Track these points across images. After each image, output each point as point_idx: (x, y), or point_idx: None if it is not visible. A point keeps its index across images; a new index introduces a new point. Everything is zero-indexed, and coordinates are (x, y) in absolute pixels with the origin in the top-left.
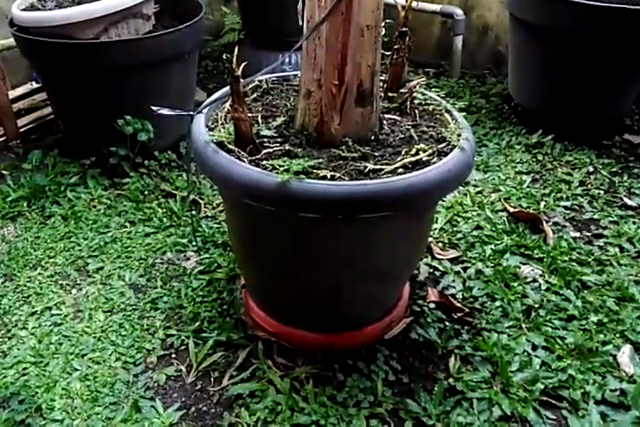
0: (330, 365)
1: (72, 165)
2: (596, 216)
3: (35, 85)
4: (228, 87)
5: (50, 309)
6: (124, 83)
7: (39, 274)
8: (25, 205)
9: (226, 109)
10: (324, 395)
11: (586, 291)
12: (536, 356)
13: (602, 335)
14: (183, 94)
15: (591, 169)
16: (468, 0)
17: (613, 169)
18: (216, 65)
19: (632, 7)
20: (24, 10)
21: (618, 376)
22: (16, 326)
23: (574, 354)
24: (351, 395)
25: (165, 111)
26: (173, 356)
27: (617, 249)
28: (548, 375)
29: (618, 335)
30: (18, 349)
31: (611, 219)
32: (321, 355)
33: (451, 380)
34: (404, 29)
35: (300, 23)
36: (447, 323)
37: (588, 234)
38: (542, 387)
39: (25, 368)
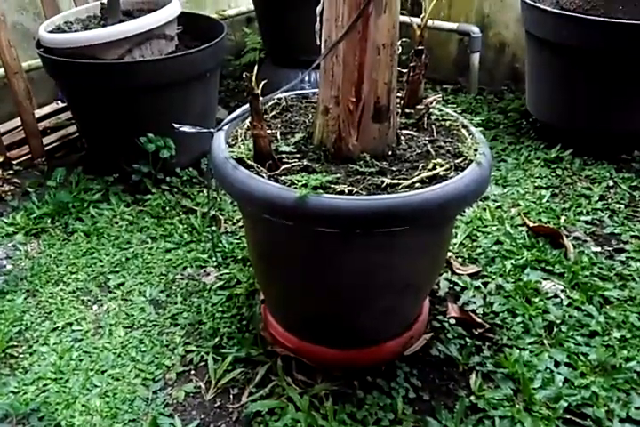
0: (349, 382)
1: (95, 181)
2: (617, 231)
3: (60, 105)
4: (247, 105)
5: (71, 324)
6: (147, 102)
7: (61, 290)
8: (49, 221)
9: (246, 126)
10: (343, 412)
11: (608, 306)
12: (559, 373)
13: (625, 351)
14: (204, 112)
15: (611, 183)
16: (484, 18)
17: (633, 183)
18: (237, 84)
19: None
20: (51, 32)
21: None
22: (37, 341)
23: (597, 371)
24: (371, 413)
25: (186, 129)
26: (192, 372)
27: (639, 264)
28: (572, 393)
29: None
30: (39, 365)
31: (632, 233)
32: (340, 371)
33: (472, 397)
34: (420, 48)
35: (318, 43)
36: (468, 339)
37: (610, 249)
38: (565, 405)
39: (45, 384)
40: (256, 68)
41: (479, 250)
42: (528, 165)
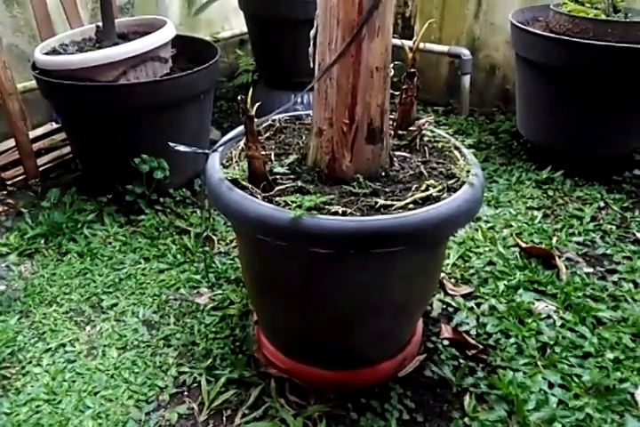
0: (343, 403)
1: (89, 202)
2: (608, 251)
3: (54, 126)
4: (242, 126)
5: (64, 345)
6: (141, 123)
7: (54, 311)
8: (42, 242)
9: (240, 148)
10: None
11: (601, 327)
12: (552, 394)
13: (619, 373)
14: (198, 133)
15: (602, 204)
16: (475, 41)
17: (625, 204)
18: (230, 105)
19: (636, 46)
20: (46, 54)
21: (636, 415)
22: (30, 362)
23: (591, 392)
24: None
25: (182, 148)
26: (186, 393)
27: (631, 285)
28: (566, 414)
29: (635, 373)
30: (31, 386)
31: (624, 254)
32: (334, 393)
33: (466, 419)
34: (412, 70)
35: (312, 65)
36: (461, 360)
37: (602, 269)
38: (560, 426)
39: (38, 406)
40: (251, 90)
41: (472, 271)
42: (520, 185)
